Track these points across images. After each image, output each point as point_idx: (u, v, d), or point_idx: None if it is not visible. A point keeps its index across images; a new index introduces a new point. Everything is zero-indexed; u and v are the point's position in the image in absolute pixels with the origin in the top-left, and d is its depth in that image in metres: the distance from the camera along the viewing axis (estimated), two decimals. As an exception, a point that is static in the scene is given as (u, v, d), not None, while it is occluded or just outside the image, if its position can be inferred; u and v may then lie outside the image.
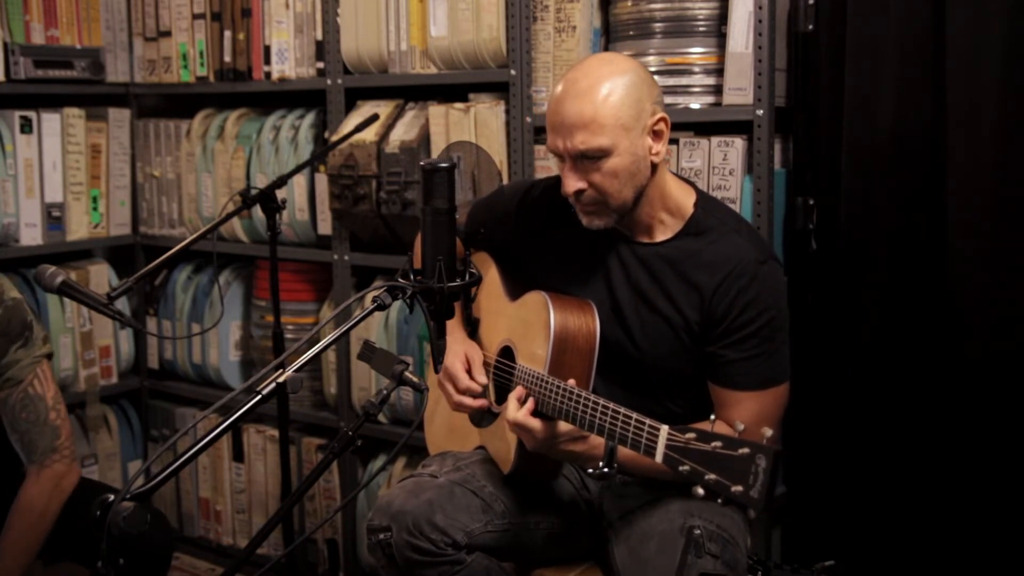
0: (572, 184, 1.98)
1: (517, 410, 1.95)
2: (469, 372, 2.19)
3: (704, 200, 2.09)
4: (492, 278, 2.29)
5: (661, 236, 2.06)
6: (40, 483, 2.28)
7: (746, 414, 1.94)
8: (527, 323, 2.11)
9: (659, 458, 1.66)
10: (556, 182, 2.22)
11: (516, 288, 2.20)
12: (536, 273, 2.18)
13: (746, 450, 1.52)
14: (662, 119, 1.98)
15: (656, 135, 1.98)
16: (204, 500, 3.61)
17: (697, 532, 1.87)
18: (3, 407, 2.27)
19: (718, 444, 1.56)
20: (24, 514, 2.26)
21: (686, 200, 2.07)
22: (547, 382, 1.94)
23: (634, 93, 1.94)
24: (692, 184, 2.13)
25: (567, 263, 2.14)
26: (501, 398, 2.17)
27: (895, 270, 2.46)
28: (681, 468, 1.60)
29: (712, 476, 1.54)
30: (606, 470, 1.75)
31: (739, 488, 1.51)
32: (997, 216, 2.31)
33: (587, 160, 1.95)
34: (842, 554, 2.24)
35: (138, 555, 1.45)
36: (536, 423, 1.93)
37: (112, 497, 1.41)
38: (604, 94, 1.92)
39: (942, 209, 2.38)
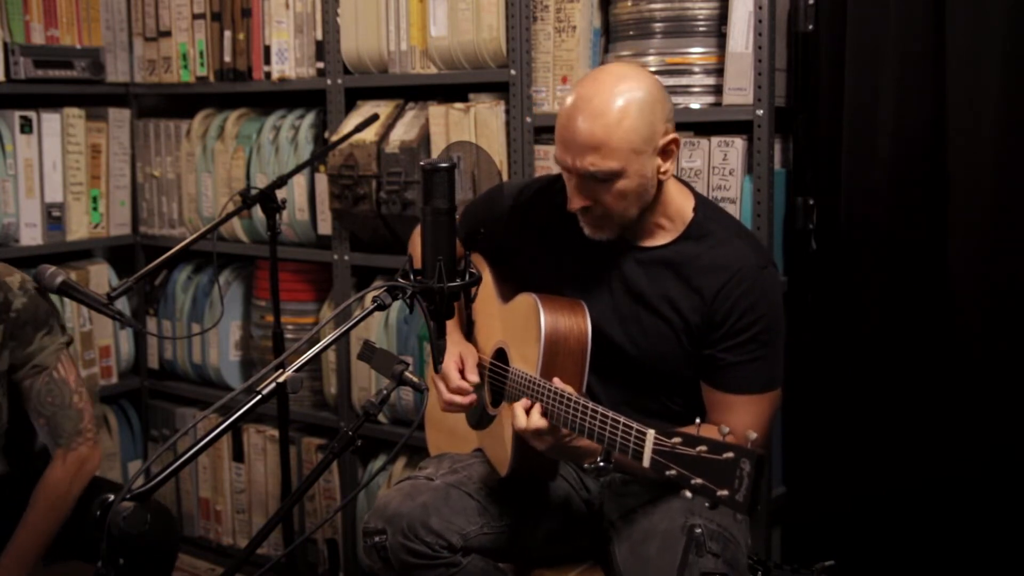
0: (578, 202, 1.98)
1: (526, 418, 1.93)
2: (463, 372, 2.19)
3: (703, 204, 2.09)
4: (486, 281, 2.28)
5: (661, 240, 2.06)
6: (66, 466, 2.30)
7: (740, 417, 1.95)
8: (519, 325, 2.11)
9: (646, 463, 1.66)
10: (551, 182, 2.22)
11: (509, 290, 2.20)
12: (533, 274, 2.18)
13: (731, 454, 1.53)
14: (673, 140, 1.96)
15: (665, 155, 1.97)
16: (204, 500, 3.61)
17: (698, 531, 1.86)
18: (28, 393, 2.30)
19: (703, 448, 1.56)
20: (48, 495, 2.29)
21: (685, 205, 2.07)
22: (539, 385, 1.94)
23: (647, 115, 1.91)
24: (690, 187, 2.13)
25: (565, 264, 2.13)
26: (496, 400, 2.17)
27: (895, 270, 2.46)
28: (668, 473, 1.60)
29: (698, 480, 1.55)
30: (602, 465, 1.75)
31: (725, 492, 1.51)
32: (997, 216, 2.32)
33: (595, 180, 1.94)
34: (842, 554, 2.24)
35: (140, 555, 1.45)
36: (545, 422, 1.91)
37: (112, 497, 1.41)
38: (617, 117, 1.89)
39: (942, 209, 2.38)
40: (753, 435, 1.53)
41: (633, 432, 1.70)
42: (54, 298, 3.30)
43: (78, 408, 2.32)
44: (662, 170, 1.97)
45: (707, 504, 1.54)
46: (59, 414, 2.30)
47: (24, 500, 2.30)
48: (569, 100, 1.96)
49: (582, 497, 2.19)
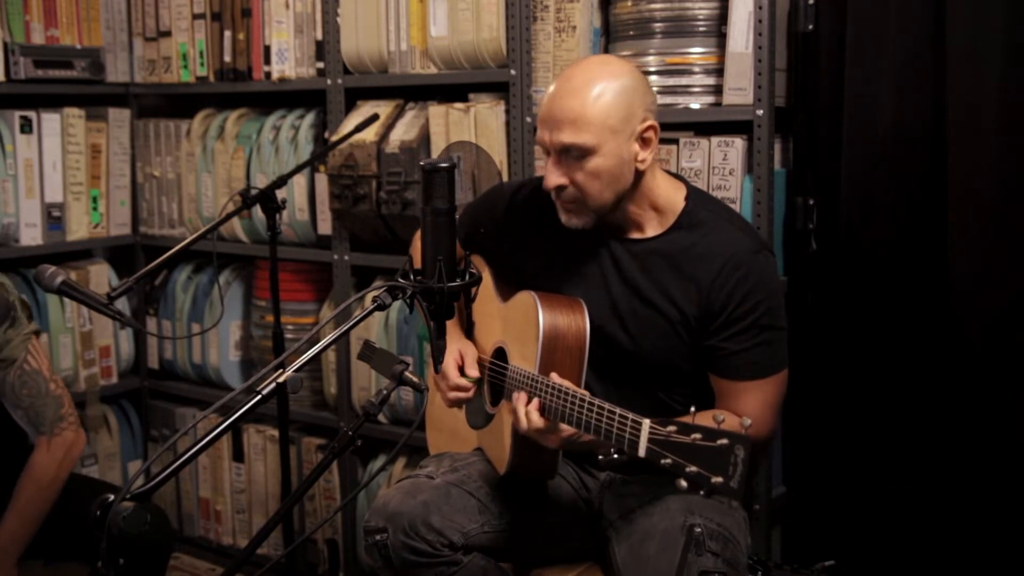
0: (553, 179, 1.99)
1: (526, 420, 1.93)
2: (462, 369, 2.20)
3: (695, 194, 2.10)
4: (485, 281, 2.28)
5: (652, 231, 2.07)
6: (51, 452, 2.32)
7: (751, 403, 1.96)
8: (518, 324, 2.11)
9: (642, 452, 1.67)
10: None
11: (508, 289, 2.21)
12: (529, 272, 2.18)
13: (725, 441, 1.56)
14: (652, 127, 1.98)
15: (644, 142, 1.98)
16: (204, 500, 3.61)
17: (698, 531, 1.87)
18: (1, 387, 2.31)
19: (698, 436, 1.59)
20: (34, 482, 2.31)
21: (676, 195, 2.07)
22: (536, 381, 1.95)
23: (626, 98, 1.95)
24: (682, 179, 2.14)
25: (560, 262, 2.14)
26: (496, 399, 2.17)
27: (895, 270, 2.46)
28: (663, 461, 1.62)
29: (693, 468, 1.57)
30: (615, 456, 1.75)
31: (719, 479, 1.54)
32: (997, 216, 2.32)
33: (571, 157, 1.96)
34: (842, 554, 2.24)
35: (137, 554, 1.45)
36: (543, 422, 1.91)
37: (112, 497, 1.41)
38: (596, 93, 1.93)
39: (942, 209, 2.38)
40: (748, 421, 1.56)
41: (629, 422, 1.71)
42: (52, 299, 3.33)
43: (55, 395, 2.34)
44: (639, 158, 1.98)
45: (701, 492, 1.55)
46: (37, 403, 2.32)
47: (5, 491, 2.31)
48: (552, 86, 2.01)
49: (582, 497, 2.19)
